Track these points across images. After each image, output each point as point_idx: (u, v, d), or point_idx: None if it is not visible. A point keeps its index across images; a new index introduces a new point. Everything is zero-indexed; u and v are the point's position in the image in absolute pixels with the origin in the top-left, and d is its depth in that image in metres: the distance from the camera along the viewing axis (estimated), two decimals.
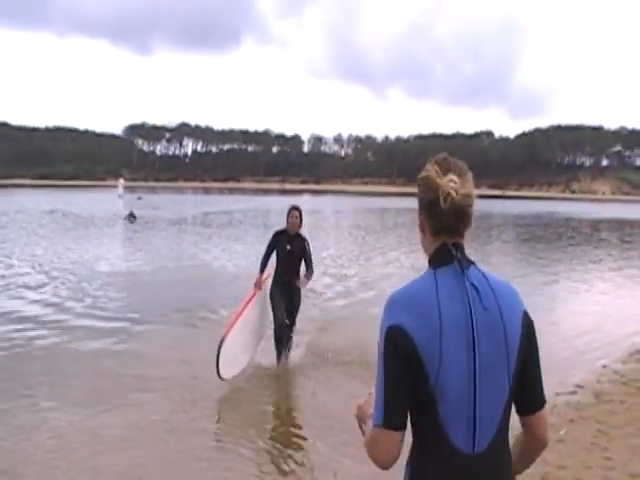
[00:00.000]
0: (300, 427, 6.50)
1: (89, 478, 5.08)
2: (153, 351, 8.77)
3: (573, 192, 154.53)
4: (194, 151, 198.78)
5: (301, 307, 8.27)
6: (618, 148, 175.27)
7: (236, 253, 20.43)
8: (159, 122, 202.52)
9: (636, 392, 7.46)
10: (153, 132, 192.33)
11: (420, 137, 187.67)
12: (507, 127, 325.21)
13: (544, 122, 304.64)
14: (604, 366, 8.55)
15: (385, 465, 1.81)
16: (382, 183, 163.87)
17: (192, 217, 38.35)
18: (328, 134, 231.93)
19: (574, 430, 6.16)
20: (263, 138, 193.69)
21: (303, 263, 8.00)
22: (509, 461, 1.89)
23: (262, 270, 7.95)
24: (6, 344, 8.83)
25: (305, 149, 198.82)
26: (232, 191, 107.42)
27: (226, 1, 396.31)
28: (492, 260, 19.85)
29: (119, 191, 61.52)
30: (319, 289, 13.39)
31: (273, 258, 7.98)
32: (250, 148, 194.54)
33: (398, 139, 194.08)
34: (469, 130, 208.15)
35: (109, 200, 55.10)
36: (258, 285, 7.92)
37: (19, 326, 9.83)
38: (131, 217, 32.53)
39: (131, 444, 5.73)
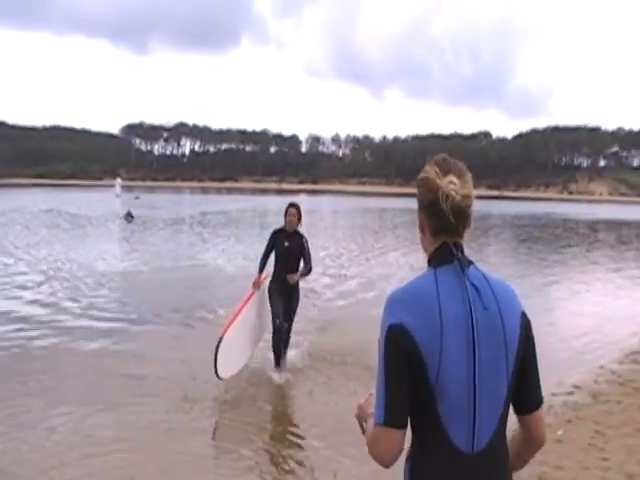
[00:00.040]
0: (300, 427, 6.50)
1: (84, 478, 5.07)
2: (151, 351, 8.76)
3: (570, 193, 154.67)
4: (192, 151, 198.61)
5: (301, 308, 8.21)
6: (615, 149, 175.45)
7: (234, 253, 20.42)
8: (157, 122, 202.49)
9: (633, 392, 7.47)
10: (151, 132, 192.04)
11: (418, 137, 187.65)
12: (505, 128, 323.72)
13: (541, 123, 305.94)
14: (601, 367, 8.56)
15: (386, 463, 1.82)
16: (380, 183, 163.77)
17: (190, 217, 38.32)
18: (326, 134, 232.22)
19: (571, 430, 6.17)
20: (261, 138, 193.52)
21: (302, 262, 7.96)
22: (507, 458, 1.91)
23: (261, 270, 7.91)
24: (3, 344, 8.81)
25: (303, 149, 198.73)
26: (230, 191, 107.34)
27: (224, 1, 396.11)
28: (491, 260, 19.88)
29: (116, 190, 61.49)
30: (319, 289, 13.40)
31: (272, 259, 7.94)
32: (248, 148, 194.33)
33: (396, 139, 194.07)
34: (467, 131, 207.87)
35: (106, 200, 55.04)
36: (257, 285, 7.87)
37: (16, 326, 9.81)
38: (129, 217, 32.49)
39: (129, 444, 5.73)
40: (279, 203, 55.59)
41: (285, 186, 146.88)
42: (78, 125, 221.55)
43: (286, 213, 7.84)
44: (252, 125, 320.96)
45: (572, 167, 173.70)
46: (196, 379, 7.41)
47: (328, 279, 15.05)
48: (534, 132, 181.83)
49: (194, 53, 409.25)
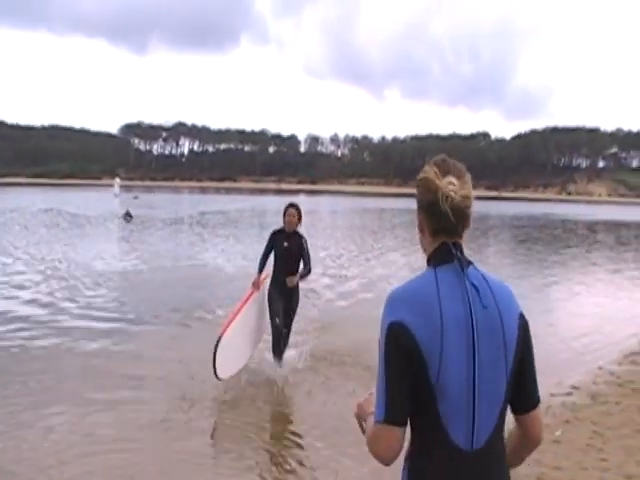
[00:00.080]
0: (299, 427, 6.49)
1: (83, 477, 5.07)
2: (150, 351, 8.75)
3: (569, 194, 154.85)
4: (191, 150, 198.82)
5: (301, 308, 8.14)
6: (614, 150, 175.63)
7: (233, 253, 20.41)
8: (156, 121, 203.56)
9: (631, 393, 7.48)
10: (150, 131, 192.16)
11: (416, 138, 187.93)
12: (503, 128, 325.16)
13: (540, 124, 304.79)
14: (600, 367, 8.56)
15: (386, 461, 1.83)
16: (378, 184, 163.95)
17: (189, 217, 38.31)
18: (325, 134, 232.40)
19: (570, 431, 6.17)
20: (260, 138, 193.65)
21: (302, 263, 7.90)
22: (504, 456, 1.92)
23: (260, 270, 7.86)
24: (2, 344, 8.80)
25: (302, 149, 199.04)
26: (228, 191, 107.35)
27: (224, 1, 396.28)
28: (490, 261, 19.89)
29: (115, 190, 61.48)
30: (319, 290, 13.39)
31: (272, 259, 7.89)
32: (247, 148, 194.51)
33: (395, 140, 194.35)
34: (465, 131, 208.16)
35: (105, 199, 55.04)
36: (256, 285, 7.82)
37: (14, 326, 9.79)
38: (127, 216, 32.49)
39: (128, 443, 5.72)
40: (278, 203, 55.56)
41: (284, 186, 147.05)
42: (77, 125, 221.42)
43: (285, 213, 7.77)
44: (251, 125, 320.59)
45: (571, 168, 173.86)
46: (195, 379, 7.40)
47: (328, 279, 15.04)
48: (533, 133, 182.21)
49: (193, 53, 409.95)
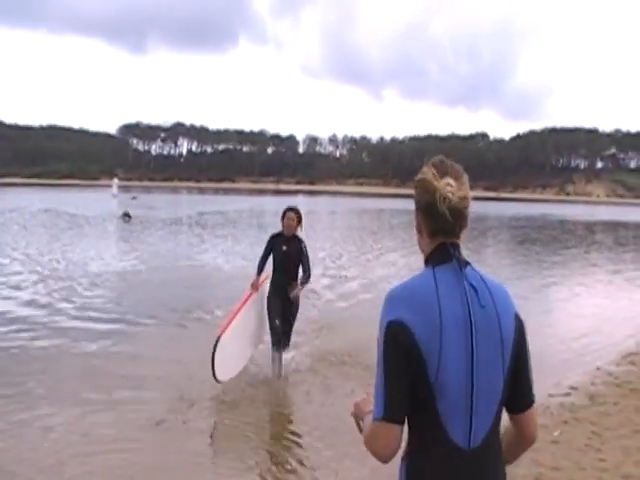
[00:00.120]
0: (299, 427, 6.49)
1: (83, 477, 5.07)
2: (148, 351, 8.75)
3: (567, 194, 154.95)
4: (189, 151, 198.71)
5: (301, 308, 8.05)
6: (613, 151, 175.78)
7: (231, 253, 20.40)
8: (154, 122, 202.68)
9: (630, 394, 7.49)
10: (148, 132, 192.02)
11: (415, 138, 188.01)
12: (502, 129, 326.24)
13: (539, 124, 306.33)
14: (598, 368, 8.57)
15: (385, 459, 1.84)
16: (377, 184, 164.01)
17: (187, 217, 38.28)
18: (323, 135, 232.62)
19: (568, 431, 6.18)
20: (258, 138, 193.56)
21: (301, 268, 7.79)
22: (501, 454, 1.95)
23: (259, 272, 7.79)
24: (0, 345, 8.79)
25: (300, 149, 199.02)
26: (227, 191, 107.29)
27: (222, 1, 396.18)
28: (490, 262, 19.88)
29: (113, 190, 61.40)
30: (319, 290, 13.39)
31: (270, 263, 7.83)
32: (245, 148, 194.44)
33: (393, 140, 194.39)
34: (464, 132, 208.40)
35: (103, 199, 54.97)
36: (255, 286, 7.77)
37: (13, 327, 9.76)
38: (126, 217, 32.48)
39: (128, 443, 5.73)
40: (276, 204, 55.60)
41: (282, 187, 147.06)
42: (75, 125, 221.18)
43: (283, 217, 7.66)
44: (249, 125, 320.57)
45: (569, 169, 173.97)
46: (193, 379, 7.39)
47: (328, 280, 15.04)
48: (531, 133, 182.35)
49: (191, 53, 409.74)
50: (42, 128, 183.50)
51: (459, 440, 1.83)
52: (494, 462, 1.91)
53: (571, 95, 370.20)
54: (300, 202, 63.12)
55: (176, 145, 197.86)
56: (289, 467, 5.45)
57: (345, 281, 15.21)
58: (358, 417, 2.08)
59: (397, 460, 1.88)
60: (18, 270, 15.25)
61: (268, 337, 7.92)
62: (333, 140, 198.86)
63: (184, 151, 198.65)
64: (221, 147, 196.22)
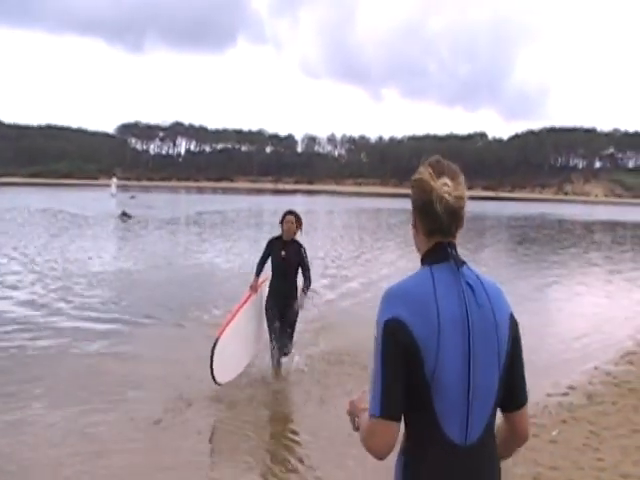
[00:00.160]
0: (298, 426, 6.50)
1: (81, 477, 5.07)
2: (146, 351, 8.74)
3: (566, 194, 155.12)
4: (187, 150, 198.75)
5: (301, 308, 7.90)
6: (611, 150, 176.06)
7: (230, 252, 20.40)
8: (152, 121, 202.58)
9: (628, 393, 7.49)
10: (146, 131, 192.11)
11: (414, 138, 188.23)
12: (500, 129, 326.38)
13: (537, 124, 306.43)
14: (596, 367, 8.58)
15: (381, 455, 1.85)
16: (375, 184, 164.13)
17: (185, 217, 38.26)
18: (322, 134, 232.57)
19: (566, 431, 6.18)
20: (257, 138, 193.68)
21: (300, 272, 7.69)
22: (496, 450, 1.96)
23: (258, 273, 7.71)
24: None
25: (299, 149, 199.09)
26: (225, 191, 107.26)
27: (220, 0, 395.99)
28: (490, 261, 19.88)
29: (112, 190, 61.33)
30: (319, 290, 13.37)
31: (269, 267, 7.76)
32: (244, 148, 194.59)
33: (392, 140, 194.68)
34: (463, 131, 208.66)
35: (102, 199, 54.91)
36: (254, 288, 7.69)
37: (11, 327, 9.74)
38: (125, 216, 32.49)
39: (126, 443, 5.72)
40: (275, 203, 55.64)
41: (281, 186, 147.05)
42: (74, 124, 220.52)
43: (283, 220, 7.56)
44: (248, 125, 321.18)
45: (568, 168, 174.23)
46: (192, 379, 7.37)
47: (328, 279, 15.02)
48: (530, 133, 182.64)
49: (190, 52, 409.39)
50: (41, 127, 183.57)
51: (455, 437, 1.84)
52: (489, 459, 1.93)
53: (569, 95, 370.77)
54: (298, 202, 63.26)
55: (174, 145, 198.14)
56: (289, 466, 5.45)
57: (345, 280, 15.20)
58: (353, 415, 2.10)
59: (394, 457, 1.88)
60: (16, 270, 15.23)
61: (267, 338, 7.89)
62: (332, 140, 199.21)
63: (182, 151, 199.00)
64: (219, 147, 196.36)
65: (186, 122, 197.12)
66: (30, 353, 8.46)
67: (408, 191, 2.02)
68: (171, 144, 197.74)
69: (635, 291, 15.64)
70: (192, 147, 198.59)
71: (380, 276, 15.68)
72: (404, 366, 1.80)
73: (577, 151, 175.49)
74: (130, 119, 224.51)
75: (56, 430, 5.95)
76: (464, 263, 1.93)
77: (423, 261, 1.97)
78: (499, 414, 1.98)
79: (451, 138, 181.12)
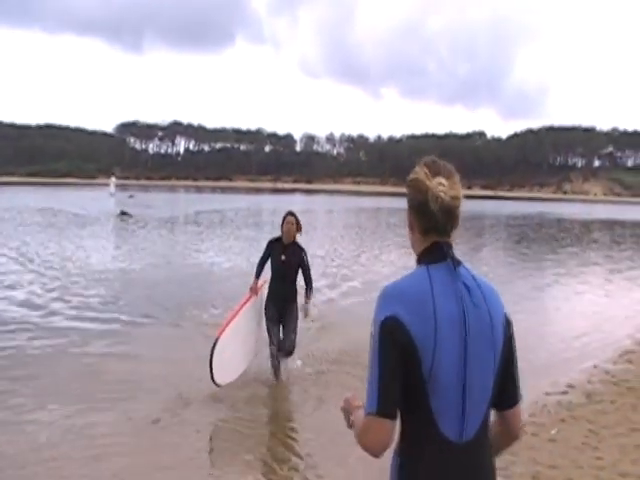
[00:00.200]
0: (299, 426, 6.50)
1: (78, 476, 5.07)
2: (145, 350, 8.74)
3: (565, 193, 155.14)
4: (186, 150, 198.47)
5: (301, 309, 7.78)
6: (610, 149, 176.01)
7: (229, 252, 20.41)
8: (151, 120, 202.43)
9: (627, 392, 7.50)
10: (145, 130, 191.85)
11: (412, 137, 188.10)
12: (499, 128, 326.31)
13: (536, 123, 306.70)
14: (595, 366, 8.59)
15: (376, 453, 1.86)
16: (374, 183, 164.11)
17: (184, 216, 38.26)
18: (320, 133, 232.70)
19: (565, 430, 6.19)
20: (255, 137, 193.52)
21: (300, 275, 7.60)
22: (490, 448, 1.98)
23: (258, 275, 7.64)
24: None
25: (297, 148, 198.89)
26: (224, 190, 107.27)
27: (219, 0, 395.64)
28: (490, 261, 19.91)
29: (111, 189, 61.24)
30: (319, 289, 13.35)
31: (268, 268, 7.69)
32: (242, 147, 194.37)
33: (390, 139, 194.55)
34: (462, 130, 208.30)
35: (101, 198, 54.90)
36: (254, 290, 7.63)
37: (9, 327, 9.72)
38: (124, 215, 32.50)
39: (125, 443, 5.73)
40: (274, 202, 55.65)
41: (280, 185, 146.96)
42: (73, 124, 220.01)
43: (283, 222, 7.46)
44: (247, 124, 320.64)
45: (567, 167, 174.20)
46: (190, 378, 7.37)
47: (328, 279, 15.01)
48: (529, 132, 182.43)
49: (189, 52, 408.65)
50: (39, 127, 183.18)
51: (451, 435, 1.85)
52: (484, 456, 1.94)
53: (568, 94, 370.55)
54: (297, 201, 63.29)
55: (173, 144, 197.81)
56: (290, 464, 5.46)
57: (345, 279, 15.19)
58: (347, 411, 2.12)
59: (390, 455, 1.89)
60: (14, 269, 15.22)
61: (267, 339, 7.85)
62: (330, 139, 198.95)
63: (181, 150, 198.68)
64: (218, 146, 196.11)
65: (185, 121, 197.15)
66: (29, 353, 8.45)
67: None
68: (170, 143, 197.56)
69: (635, 290, 15.67)
70: (191, 146, 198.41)
71: (381, 275, 15.66)
72: (401, 365, 1.81)
73: (576, 150, 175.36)
74: (129, 118, 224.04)
75: (54, 429, 5.95)
76: (460, 263, 1.95)
77: (419, 261, 1.99)
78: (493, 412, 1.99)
79: (450, 137, 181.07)
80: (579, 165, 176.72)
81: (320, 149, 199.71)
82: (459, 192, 1.95)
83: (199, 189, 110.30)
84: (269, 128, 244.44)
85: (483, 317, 1.88)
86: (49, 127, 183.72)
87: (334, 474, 5.21)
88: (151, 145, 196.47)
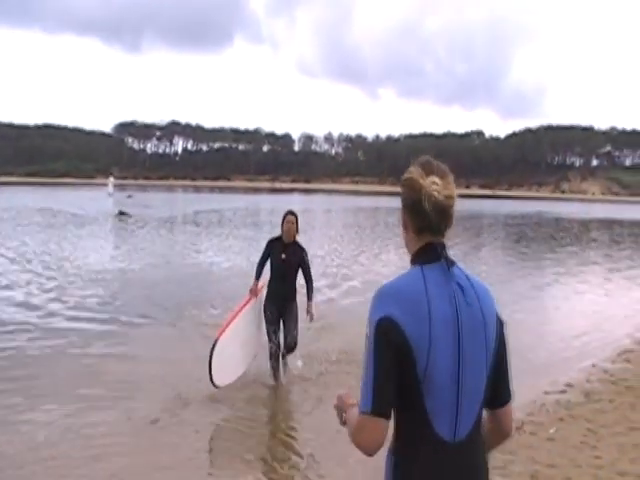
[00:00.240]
0: (299, 425, 6.50)
1: (76, 476, 5.07)
2: (144, 351, 8.74)
3: (563, 192, 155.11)
4: (184, 149, 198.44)
5: (301, 309, 7.75)
6: (608, 148, 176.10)
7: (228, 251, 20.40)
8: (149, 120, 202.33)
9: (625, 391, 7.51)
10: (143, 130, 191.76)
11: (411, 136, 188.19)
12: (498, 127, 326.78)
13: (535, 122, 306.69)
14: (593, 365, 8.60)
15: (370, 451, 1.86)
16: (372, 182, 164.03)
17: (183, 216, 38.23)
18: (319, 133, 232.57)
19: (564, 429, 6.19)
20: (254, 137, 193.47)
21: (300, 275, 7.57)
22: (483, 446, 2.00)
23: (257, 277, 7.58)
24: None
25: (296, 148, 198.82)
26: (223, 190, 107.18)
27: (218, 0, 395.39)
28: (490, 261, 19.91)
29: (109, 189, 61.15)
30: (319, 288, 13.33)
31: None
32: (241, 147, 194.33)
33: (389, 138, 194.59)
34: (460, 130, 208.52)
35: (99, 198, 54.83)
36: (254, 292, 7.57)
37: (6, 328, 9.69)
38: (124, 215, 32.49)
39: (123, 443, 5.73)
40: (272, 202, 55.60)
41: (278, 185, 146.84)
42: (71, 124, 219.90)
43: (284, 221, 7.40)
44: (245, 124, 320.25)
45: (565, 166, 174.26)
46: (189, 378, 7.35)
47: (329, 279, 14.98)
48: (527, 131, 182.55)
49: (187, 52, 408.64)
50: (38, 127, 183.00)
51: (445, 435, 1.87)
52: (477, 455, 1.95)
53: (567, 93, 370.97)
54: (295, 200, 63.27)
55: (171, 144, 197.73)
56: (291, 463, 5.47)
57: (345, 279, 15.17)
58: (341, 409, 2.16)
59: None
60: (12, 269, 15.20)
61: (266, 339, 7.84)
62: (329, 138, 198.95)
63: (179, 149, 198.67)
64: (216, 145, 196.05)
65: (183, 121, 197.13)
66: (27, 353, 8.44)
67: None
68: (168, 143, 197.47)
69: (634, 289, 15.68)
70: (189, 146, 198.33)
71: (381, 275, 15.61)
72: (396, 365, 1.82)
73: (574, 149, 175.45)
74: (127, 118, 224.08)
75: (53, 429, 5.96)
76: (454, 263, 1.96)
77: (413, 261, 2.02)
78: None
79: (448, 136, 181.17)
80: (577, 164, 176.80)
81: (318, 149, 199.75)
82: (453, 191, 1.96)
83: (197, 189, 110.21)
84: (267, 128, 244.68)
85: (476, 316, 1.90)
86: (47, 127, 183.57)
87: (335, 474, 5.21)
88: (149, 145, 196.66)
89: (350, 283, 14.69)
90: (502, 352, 1.98)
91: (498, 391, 1.99)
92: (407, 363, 1.82)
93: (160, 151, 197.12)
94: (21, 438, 5.73)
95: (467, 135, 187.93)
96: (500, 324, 1.98)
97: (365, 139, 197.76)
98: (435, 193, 1.91)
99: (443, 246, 1.97)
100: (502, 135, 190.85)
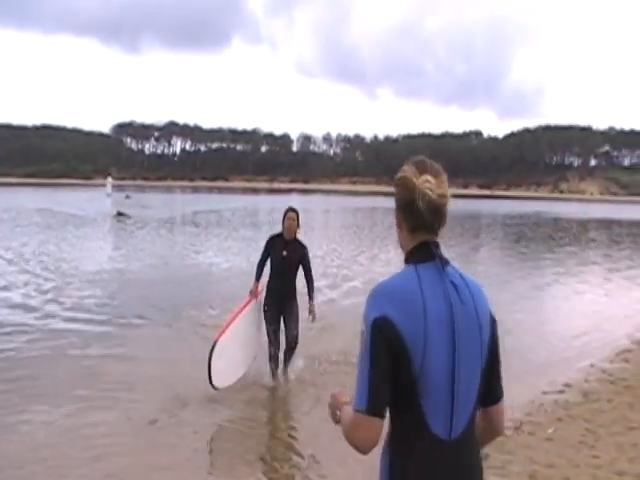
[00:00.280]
0: (298, 425, 6.50)
1: (75, 476, 5.07)
2: (142, 351, 8.73)
3: (561, 192, 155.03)
4: (183, 150, 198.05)
5: (300, 308, 7.74)
6: (606, 148, 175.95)
7: (227, 252, 20.40)
8: (148, 121, 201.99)
9: (623, 391, 7.52)
10: (142, 131, 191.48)
11: (409, 137, 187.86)
12: (496, 127, 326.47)
13: (533, 122, 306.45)
14: (592, 365, 8.61)
15: (364, 450, 1.88)
16: (370, 182, 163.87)
17: (181, 216, 38.22)
18: (317, 133, 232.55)
19: (562, 429, 6.20)
20: (252, 137, 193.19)
21: (300, 274, 7.53)
22: (477, 445, 2.02)
23: (258, 278, 7.53)
24: None
25: (294, 148, 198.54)
26: (221, 190, 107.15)
27: (216, 0, 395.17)
28: (488, 261, 19.92)
29: (107, 190, 61.17)
30: (319, 289, 13.32)
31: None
32: (239, 147, 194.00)
33: (387, 139, 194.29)
34: (458, 130, 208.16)
35: (97, 199, 54.82)
36: (254, 293, 7.52)
37: (4, 329, 9.69)
38: (122, 216, 32.48)
39: (122, 444, 5.72)
40: (270, 202, 55.59)
41: (276, 185, 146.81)
42: (69, 124, 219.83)
43: (284, 217, 7.35)
44: (243, 124, 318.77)
45: (563, 166, 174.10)
46: (188, 379, 7.34)
47: (330, 279, 14.98)
48: (525, 131, 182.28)
49: (185, 52, 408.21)
50: (36, 128, 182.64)
51: (440, 433, 1.88)
52: (472, 453, 1.97)
53: (565, 93, 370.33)
54: (294, 201, 63.08)
55: (170, 144, 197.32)
56: (292, 462, 5.48)
57: (346, 280, 15.17)
58: (335, 408, 2.16)
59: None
60: (10, 270, 15.20)
61: (266, 340, 7.84)
62: (327, 139, 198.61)
63: (178, 150, 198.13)
64: (215, 146, 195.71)
65: (181, 122, 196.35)
66: (26, 354, 8.43)
67: None
68: (166, 144, 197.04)
69: (634, 289, 15.70)
70: (187, 146, 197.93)
71: (381, 275, 15.49)
72: (392, 364, 1.83)
73: (572, 149, 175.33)
74: (125, 119, 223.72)
75: (53, 429, 5.96)
76: (448, 262, 1.97)
77: (407, 260, 2.01)
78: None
79: (446, 136, 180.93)
80: (576, 164, 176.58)
81: (317, 149, 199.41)
82: (446, 190, 1.97)
83: (196, 189, 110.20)
84: (265, 128, 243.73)
85: (470, 315, 1.91)
86: (46, 128, 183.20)
87: (335, 474, 5.22)
88: (147, 145, 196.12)
89: (350, 283, 14.66)
90: (495, 350, 2.00)
91: (491, 389, 2.01)
92: (402, 362, 1.83)
93: (158, 151, 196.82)
94: (21, 438, 5.74)
95: (465, 135, 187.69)
96: (493, 322, 2.00)
97: (363, 139, 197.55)
98: (429, 192, 1.92)
99: (437, 245, 1.98)
100: (500, 135, 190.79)
